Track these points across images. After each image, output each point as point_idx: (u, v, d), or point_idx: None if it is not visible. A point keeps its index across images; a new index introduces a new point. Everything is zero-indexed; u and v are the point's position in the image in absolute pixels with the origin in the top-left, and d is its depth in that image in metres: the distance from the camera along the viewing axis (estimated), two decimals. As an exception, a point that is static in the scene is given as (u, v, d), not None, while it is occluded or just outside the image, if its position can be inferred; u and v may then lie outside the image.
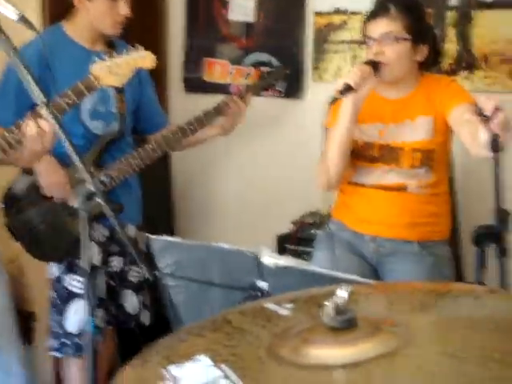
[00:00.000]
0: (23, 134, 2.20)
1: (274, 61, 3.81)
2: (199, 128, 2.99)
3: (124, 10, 2.82)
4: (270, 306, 1.39)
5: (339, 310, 1.19)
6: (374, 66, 2.59)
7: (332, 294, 1.20)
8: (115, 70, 2.52)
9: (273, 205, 3.93)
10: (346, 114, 2.60)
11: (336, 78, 3.63)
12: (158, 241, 2.00)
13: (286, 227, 3.58)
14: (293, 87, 3.82)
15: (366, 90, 2.57)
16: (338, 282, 1.42)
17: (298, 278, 1.76)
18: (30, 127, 2.16)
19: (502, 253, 2.02)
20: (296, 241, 3.48)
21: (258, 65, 3.76)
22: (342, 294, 1.19)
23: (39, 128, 2.14)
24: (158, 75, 3.50)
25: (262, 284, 1.77)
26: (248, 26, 3.92)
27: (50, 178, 2.75)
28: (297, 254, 3.41)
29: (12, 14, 1.99)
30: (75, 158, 1.89)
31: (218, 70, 3.94)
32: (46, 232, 2.80)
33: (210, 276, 1.90)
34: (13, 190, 2.79)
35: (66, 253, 2.77)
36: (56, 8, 3.31)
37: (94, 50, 2.89)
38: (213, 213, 4.16)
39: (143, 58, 2.60)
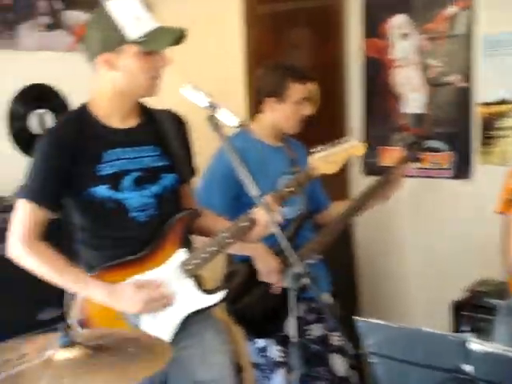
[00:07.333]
0: (254, 221, 2.36)
1: (444, 146, 4.19)
2: (367, 202, 3.05)
3: (308, 110, 2.93)
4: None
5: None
6: None
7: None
8: (331, 159, 2.62)
9: (448, 272, 4.15)
10: None
11: (502, 161, 3.92)
12: (365, 322, 2.00)
13: (460, 294, 3.75)
14: (462, 169, 4.18)
15: None
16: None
17: (507, 365, 1.75)
18: (262, 215, 2.32)
19: None
20: (472, 308, 3.55)
21: (429, 150, 4.04)
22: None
23: (269, 216, 2.28)
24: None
25: (468, 368, 1.78)
26: (419, 117, 4.32)
27: (269, 265, 2.83)
28: (474, 321, 3.48)
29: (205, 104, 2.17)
30: (285, 244, 2.07)
31: (393, 155, 4.27)
32: (260, 314, 2.95)
33: (413, 356, 1.90)
34: (235, 279, 2.93)
35: (275, 329, 2.91)
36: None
37: (276, 146, 3.01)
38: (393, 283, 4.49)
39: (355, 147, 2.70)
